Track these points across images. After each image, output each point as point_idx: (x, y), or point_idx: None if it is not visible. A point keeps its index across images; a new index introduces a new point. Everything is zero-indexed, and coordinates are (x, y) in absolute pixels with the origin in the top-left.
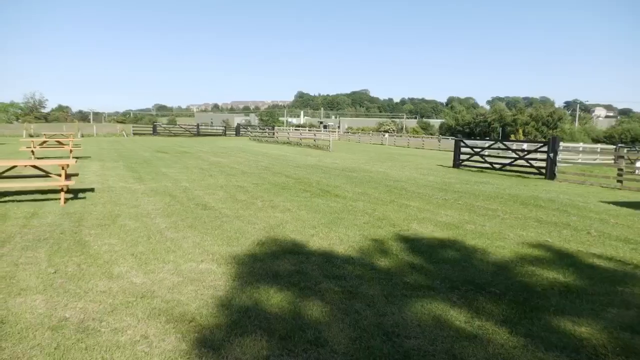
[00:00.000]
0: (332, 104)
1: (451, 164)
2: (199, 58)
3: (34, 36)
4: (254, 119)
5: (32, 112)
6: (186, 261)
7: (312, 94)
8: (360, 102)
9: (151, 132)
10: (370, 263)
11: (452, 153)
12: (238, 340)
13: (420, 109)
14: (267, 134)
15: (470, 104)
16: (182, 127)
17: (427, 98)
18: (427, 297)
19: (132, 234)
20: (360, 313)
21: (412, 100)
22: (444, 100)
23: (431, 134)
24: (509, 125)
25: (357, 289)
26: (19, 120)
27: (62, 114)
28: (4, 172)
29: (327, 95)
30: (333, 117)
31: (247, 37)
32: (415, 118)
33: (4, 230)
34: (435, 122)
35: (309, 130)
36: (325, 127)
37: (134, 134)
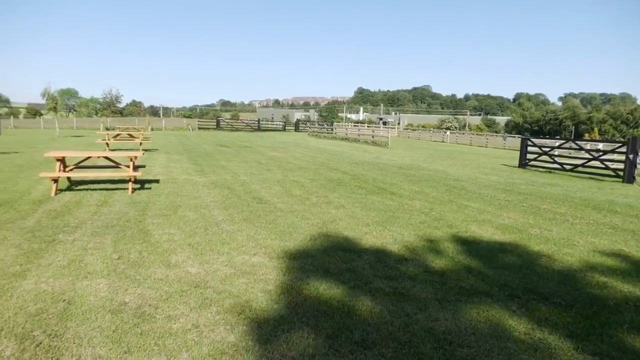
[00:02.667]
0: (393, 100)
1: (516, 163)
2: (263, 55)
3: (113, 36)
4: (313, 115)
5: (109, 107)
6: (239, 254)
7: (372, 89)
8: (421, 99)
9: (215, 126)
10: (424, 264)
11: (518, 152)
12: (285, 336)
13: (485, 105)
14: (325, 129)
15: (539, 101)
16: (243, 122)
17: (492, 94)
18: (484, 303)
19: (190, 224)
20: (411, 316)
21: (476, 96)
22: (511, 96)
23: (496, 132)
24: (582, 123)
25: (409, 291)
26: (98, 114)
27: (135, 109)
28: (80, 162)
29: (388, 91)
30: (393, 113)
31: (309, 36)
32: (480, 115)
33: (77, 217)
34: (501, 120)
35: (367, 126)
36: (384, 123)
37: (199, 128)
